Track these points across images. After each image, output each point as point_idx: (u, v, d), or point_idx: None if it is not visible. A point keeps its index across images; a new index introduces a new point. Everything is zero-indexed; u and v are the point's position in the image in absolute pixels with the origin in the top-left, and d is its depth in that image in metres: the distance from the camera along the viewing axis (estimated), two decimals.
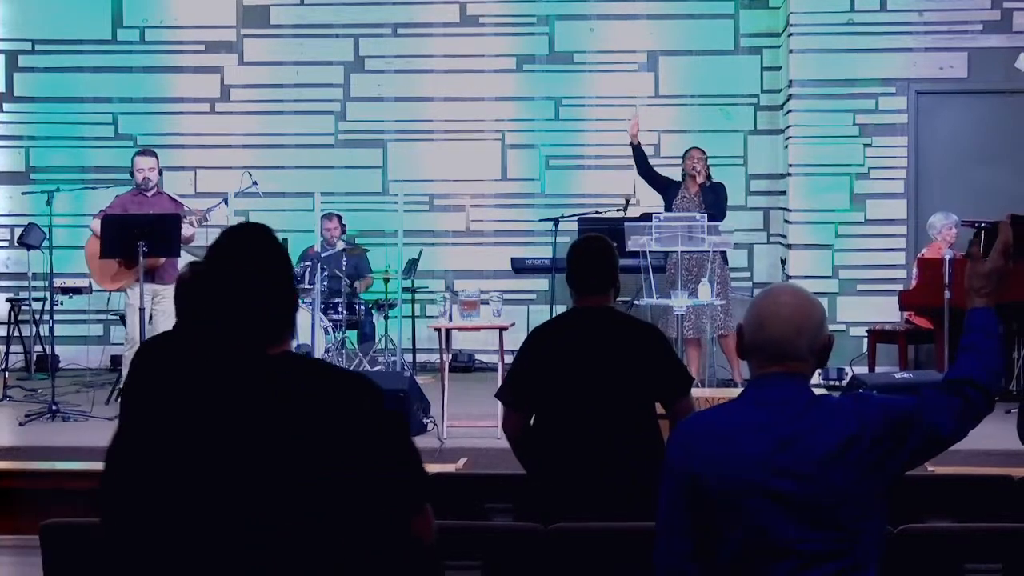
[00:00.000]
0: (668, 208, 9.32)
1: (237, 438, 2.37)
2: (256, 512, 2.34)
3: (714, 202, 9.18)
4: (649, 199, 10.23)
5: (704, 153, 9.40)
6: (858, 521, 2.68)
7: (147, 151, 9.13)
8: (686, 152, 9.49)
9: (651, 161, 9.71)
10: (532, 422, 4.44)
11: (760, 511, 2.65)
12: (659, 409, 4.43)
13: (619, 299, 5.18)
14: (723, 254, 9.15)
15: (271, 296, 2.48)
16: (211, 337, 2.54)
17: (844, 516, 2.66)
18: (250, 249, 2.51)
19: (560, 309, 10.17)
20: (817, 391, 2.81)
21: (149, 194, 8.80)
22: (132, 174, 8.89)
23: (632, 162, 9.63)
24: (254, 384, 2.42)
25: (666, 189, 9.47)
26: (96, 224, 8.65)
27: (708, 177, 9.34)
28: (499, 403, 4.64)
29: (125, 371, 8.64)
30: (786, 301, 2.77)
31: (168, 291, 8.60)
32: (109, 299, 9.95)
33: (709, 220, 8.67)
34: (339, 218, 10.58)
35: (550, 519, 3.97)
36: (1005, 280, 2.86)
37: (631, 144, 9.52)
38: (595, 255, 4.43)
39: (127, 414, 2.44)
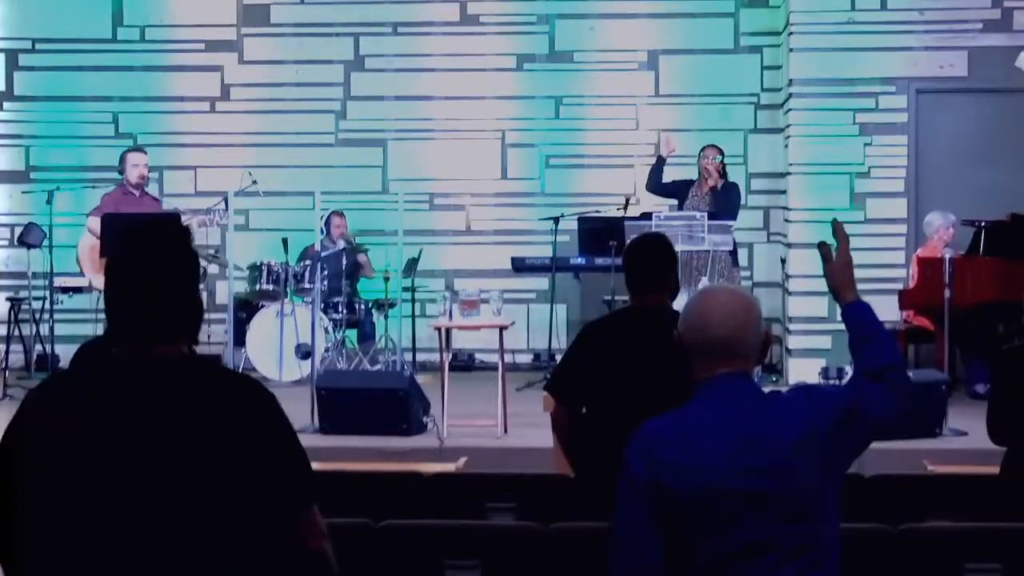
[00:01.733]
0: (680, 208, 9.38)
1: (115, 440, 2.32)
2: (139, 518, 2.29)
3: (723, 203, 9.21)
4: (649, 198, 10.23)
5: (719, 152, 9.46)
6: (823, 513, 2.70)
7: (140, 148, 9.13)
8: (702, 150, 9.58)
9: (653, 160, 9.74)
10: (581, 418, 4.45)
11: (731, 512, 2.64)
12: None
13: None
14: (733, 254, 9.19)
15: (156, 294, 2.39)
16: (105, 339, 2.51)
17: (811, 509, 2.68)
18: (145, 248, 2.44)
19: (560, 308, 10.21)
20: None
21: (137, 193, 8.79)
22: (121, 171, 8.86)
23: (631, 162, 9.66)
24: (131, 386, 2.36)
25: (677, 194, 9.55)
26: (92, 222, 8.65)
27: (723, 176, 9.40)
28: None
29: None
30: (725, 300, 2.79)
31: None
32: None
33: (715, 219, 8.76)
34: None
35: (585, 517, 3.97)
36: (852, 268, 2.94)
37: (659, 156, 9.61)
38: (652, 253, 4.47)
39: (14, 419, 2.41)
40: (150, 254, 2.43)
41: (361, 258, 10.56)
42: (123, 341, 2.42)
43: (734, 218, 9.28)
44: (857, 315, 2.89)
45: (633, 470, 2.73)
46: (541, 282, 10.81)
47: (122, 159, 8.98)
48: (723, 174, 9.45)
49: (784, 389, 3.41)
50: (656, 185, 9.63)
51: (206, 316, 10.32)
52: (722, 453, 2.66)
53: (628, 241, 4.62)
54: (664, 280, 4.44)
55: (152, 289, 2.40)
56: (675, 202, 9.75)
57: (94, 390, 2.40)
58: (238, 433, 2.35)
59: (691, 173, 9.76)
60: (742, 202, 10.76)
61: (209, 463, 2.32)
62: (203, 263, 9.72)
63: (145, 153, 8.95)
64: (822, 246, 2.95)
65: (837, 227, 3.00)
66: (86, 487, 2.32)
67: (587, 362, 4.42)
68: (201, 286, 2.67)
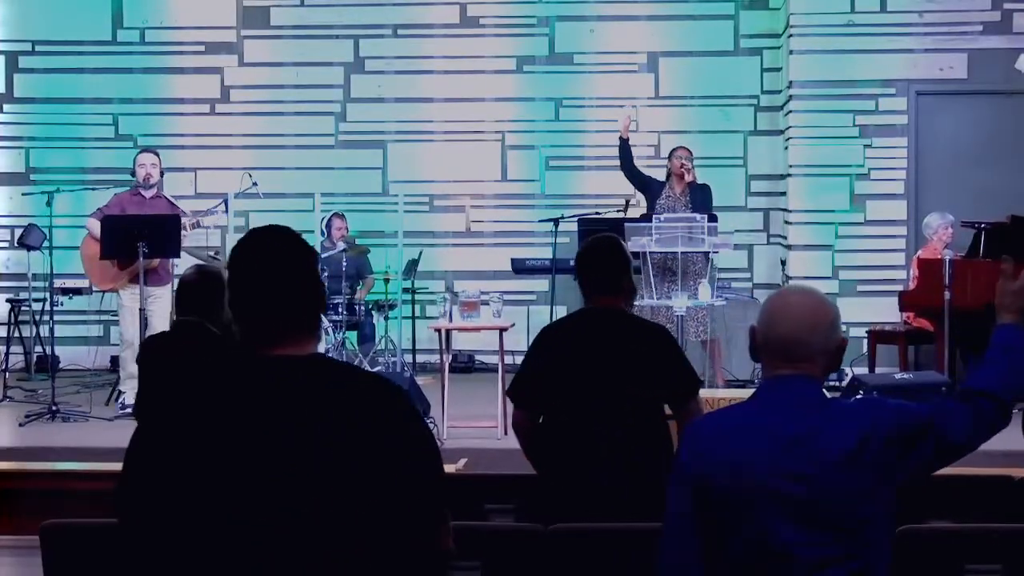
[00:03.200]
0: (651, 207, 9.25)
1: (257, 442, 2.34)
2: (279, 518, 2.31)
3: (702, 202, 9.07)
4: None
5: (691, 153, 9.30)
6: (865, 526, 2.66)
7: (150, 149, 9.14)
8: (672, 151, 9.38)
9: (652, 162, 9.72)
10: (541, 421, 4.45)
11: (766, 514, 2.63)
12: (667, 411, 4.45)
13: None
14: (706, 255, 9.03)
15: (285, 297, 2.43)
16: (229, 339, 2.53)
17: (851, 520, 2.64)
18: (267, 250, 2.47)
19: (560, 309, 10.18)
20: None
21: (147, 195, 8.79)
22: (133, 173, 8.89)
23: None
24: (275, 387, 2.38)
25: (649, 188, 9.37)
26: (92, 224, 8.65)
27: (695, 177, 9.29)
28: (507, 402, 4.65)
29: (123, 373, 8.65)
30: (797, 300, 2.77)
31: (160, 292, 8.62)
32: (107, 300, 9.94)
33: None
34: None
35: (557, 519, 3.97)
36: None
37: (621, 138, 9.43)
38: (604, 255, 4.44)
39: (147, 419, 2.42)
40: (277, 257, 2.46)
41: (367, 281, 10.58)
42: (256, 343, 2.44)
43: (714, 219, 9.21)
44: (1000, 338, 2.82)
45: (682, 462, 2.75)
46: (541, 284, 10.81)
47: (134, 161, 9.01)
48: (695, 176, 9.29)
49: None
50: (626, 165, 9.44)
51: None
52: (763, 453, 2.65)
53: (582, 243, 4.59)
54: (616, 282, 4.42)
55: (283, 290, 2.43)
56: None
57: (243, 391, 2.41)
58: (377, 436, 2.37)
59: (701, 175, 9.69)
60: (742, 204, 10.78)
61: (347, 465, 2.33)
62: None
63: (152, 153, 8.94)
64: (1006, 260, 2.91)
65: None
66: (228, 482, 2.33)
67: (542, 366, 4.41)
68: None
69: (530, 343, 4.59)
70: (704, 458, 2.70)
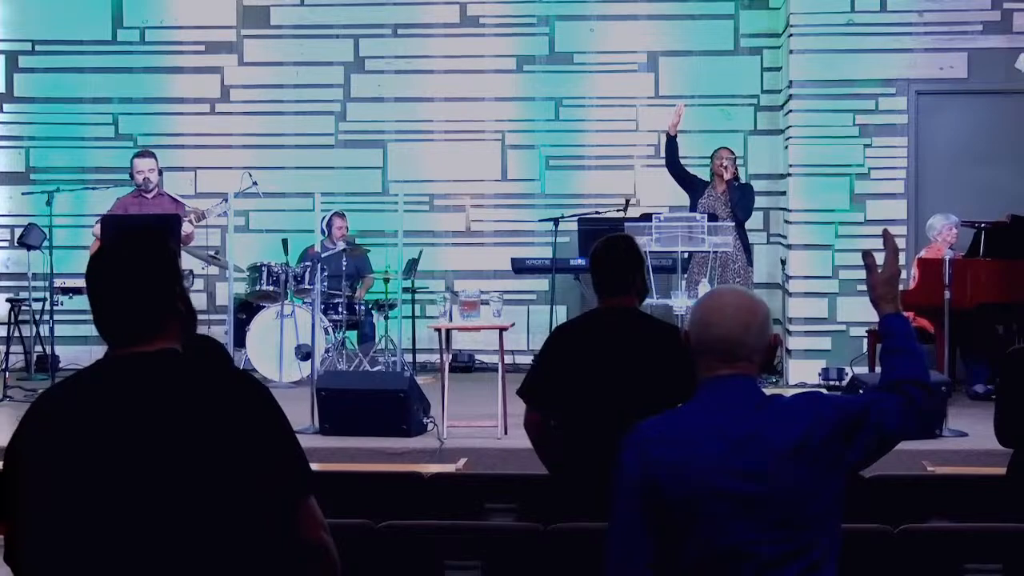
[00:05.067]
0: (693, 206, 9.42)
1: (110, 440, 2.35)
2: (138, 515, 2.31)
3: (740, 200, 9.44)
4: (649, 199, 10.24)
5: (733, 153, 9.59)
6: (816, 521, 2.68)
7: (146, 152, 9.14)
8: (714, 152, 9.63)
9: (653, 162, 9.74)
10: (553, 421, 4.45)
11: (719, 514, 2.64)
12: None
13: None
14: (747, 254, 9.38)
15: (122, 297, 2.44)
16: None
17: (803, 515, 2.66)
18: (112, 254, 2.50)
19: (560, 309, 10.20)
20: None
21: (149, 196, 8.80)
22: (132, 176, 8.90)
23: (631, 163, 9.65)
24: (122, 385, 2.40)
25: (693, 187, 9.60)
26: (98, 227, 8.66)
27: (736, 176, 9.51)
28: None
29: None
30: (730, 301, 2.79)
31: None
32: None
33: (732, 219, 9.10)
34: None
35: (567, 518, 3.97)
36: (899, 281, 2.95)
37: (669, 135, 9.59)
38: (617, 255, 4.45)
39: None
40: (123, 254, 2.48)
41: (366, 281, 10.59)
42: (109, 340, 2.46)
43: (748, 217, 9.55)
44: (893, 327, 2.90)
45: (627, 467, 2.73)
46: (541, 283, 10.81)
47: (131, 164, 9.01)
48: (737, 174, 9.59)
49: (786, 392, 3.41)
50: (672, 163, 9.61)
51: (207, 317, 10.33)
52: (712, 454, 2.66)
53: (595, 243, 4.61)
54: (630, 282, 4.43)
55: (129, 288, 2.44)
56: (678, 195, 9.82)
57: (86, 391, 2.43)
58: (231, 425, 2.36)
59: (705, 174, 9.76)
60: None
61: (204, 456, 2.33)
62: (198, 263, 9.73)
63: (150, 157, 8.94)
64: (867, 255, 2.96)
65: (887, 237, 3.01)
66: (84, 487, 2.34)
67: (555, 366, 4.42)
68: (187, 284, 2.71)
69: (543, 342, 4.60)
70: (651, 463, 2.69)
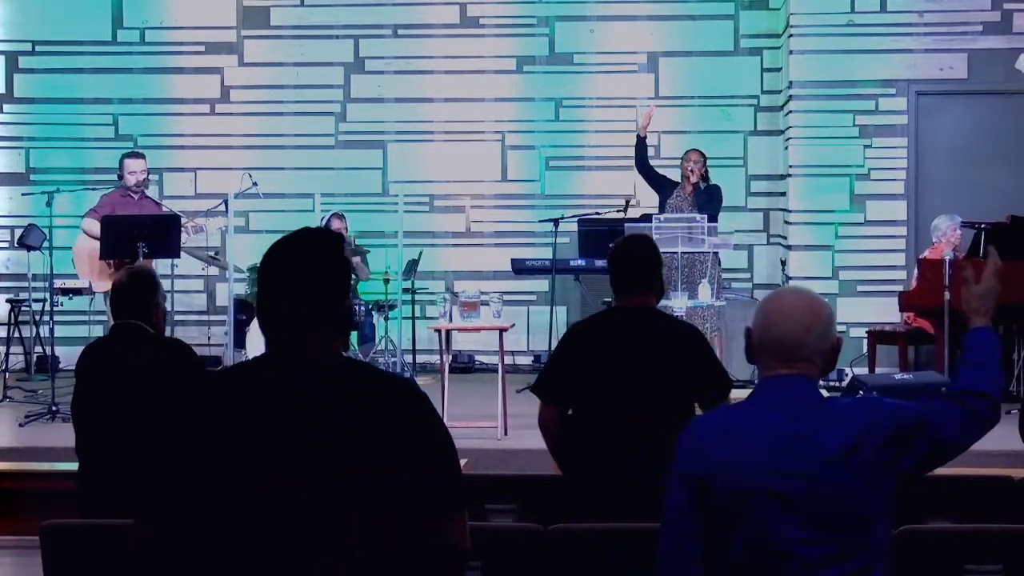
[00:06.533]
0: (661, 207, 9.34)
1: (275, 443, 2.36)
2: (298, 516, 2.34)
3: (705, 203, 9.15)
4: (650, 200, 10.22)
5: (702, 155, 9.40)
6: (864, 524, 2.68)
7: (138, 153, 9.15)
8: (684, 153, 9.51)
9: (653, 162, 9.72)
10: (569, 419, 4.46)
11: (766, 513, 2.65)
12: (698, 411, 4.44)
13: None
14: (716, 255, 9.15)
15: (299, 298, 2.45)
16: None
17: (850, 518, 2.66)
18: (287, 253, 2.50)
19: (560, 310, 10.21)
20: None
21: (136, 196, 8.82)
22: (120, 176, 8.90)
23: (632, 160, 9.63)
24: (295, 389, 2.40)
25: (662, 187, 9.48)
26: (90, 224, 8.65)
27: (704, 179, 9.35)
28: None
29: None
30: (793, 302, 2.79)
31: None
32: (103, 299, 9.96)
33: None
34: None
35: (576, 518, 3.97)
36: (996, 298, 2.95)
37: (639, 136, 9.52)
38: (638, 255, 4.47)
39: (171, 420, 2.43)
40: (304, 260, 2.48)
41: (354, 260, 10.56)
42: (279, 344, 2.46)
43: (714, 220, 9.25)
44: (979, 340, 2.90)
45: (680, 461, 2.77)
46: (541, 284, 10.81)
47: (120, 164, 9.00)
48: (706, 177, 9.39)
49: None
50: (641, 163, 9.54)
51: (207, 318, 10.34)
52: (760, 452, 2.67)
53: (614, 242, 4.62)
54: (649, 281, 4.45)
55: (306, 293, 2.45)
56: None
57: (259, 392, 2.43)
58: (394, 434, 2.39)
59: (677, 175, 9.72)
60: (742, 204, 10.77)
61: (364, 463, 2.36)
62: (198, 264, 9.72)
63: (142, 158, 8.95)
64: (963, 267, 3.00)
65: (991, 254, 3.02)
66: (245, 483, 2.35)
67: (573, 363, 4.43)
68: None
69: (559, 340, 4.61)
70: (703, 458, 2.72)
